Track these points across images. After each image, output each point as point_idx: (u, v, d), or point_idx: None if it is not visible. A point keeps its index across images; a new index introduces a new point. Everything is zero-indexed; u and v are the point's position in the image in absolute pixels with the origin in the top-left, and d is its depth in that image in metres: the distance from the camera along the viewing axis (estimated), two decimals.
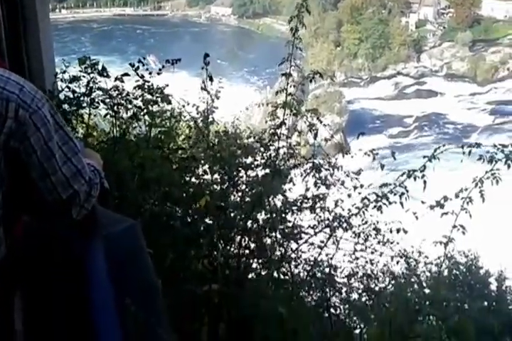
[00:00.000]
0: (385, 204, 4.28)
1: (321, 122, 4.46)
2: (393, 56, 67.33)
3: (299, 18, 4.38)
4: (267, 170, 4.27)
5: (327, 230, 4.53)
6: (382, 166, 4.43)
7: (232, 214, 4.08)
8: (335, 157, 4.64)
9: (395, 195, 4.24)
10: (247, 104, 49.90)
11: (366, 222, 4.52)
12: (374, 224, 4.59)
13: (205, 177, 4.22)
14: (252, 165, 4.35)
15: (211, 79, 4.31)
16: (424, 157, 4.18)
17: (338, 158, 4.62)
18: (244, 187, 4.25)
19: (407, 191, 4.19)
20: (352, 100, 61.84)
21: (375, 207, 4.31)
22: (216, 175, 4.18)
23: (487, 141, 50.16)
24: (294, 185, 4.44)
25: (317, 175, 4.47)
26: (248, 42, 77.24)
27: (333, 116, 54.91)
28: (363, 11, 71.33)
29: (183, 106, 4.49)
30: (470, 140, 51.05)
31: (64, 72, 4.32)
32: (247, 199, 4.14)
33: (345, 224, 4.41)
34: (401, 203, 4.15)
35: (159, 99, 4.11)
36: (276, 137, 4.40)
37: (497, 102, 57.52)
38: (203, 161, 4.21)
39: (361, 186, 4.47)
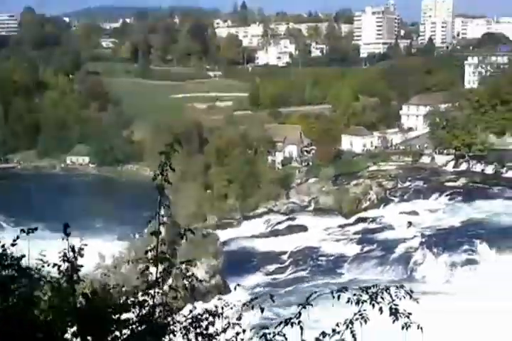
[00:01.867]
0: None
1: (196, 279, 5.98)
2: (263, 195, 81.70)
3: (164, 165, 5.56)
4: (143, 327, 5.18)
5: None
6: (262, 310, 5.90)
7: None
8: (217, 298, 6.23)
9: None
10: (114, 255, 58.62)
11: None
12: None
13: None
14: (126, 323, 5.18)
15: (73, 250, 5.20)
16: (299, 305, 5.47)
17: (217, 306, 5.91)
18: None
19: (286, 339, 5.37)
20: (227, 241, 72.90)
21: None
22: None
23: (357, 270, 62.69)
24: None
25: (198, 330, 5.60)
26: (110, 190, 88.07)
27: (209, 259, 64.67)
28: (229, 153, 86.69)
29: (43, 266, 5.21)
30: (342, 270, 63.31)
31: None
32: None
33: None
34: None
35: (16, 273, 4.71)
36: (150, 296, 5.49)
37: (363, 231, 71.91)
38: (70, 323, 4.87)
39: (243, 331, 5.72)
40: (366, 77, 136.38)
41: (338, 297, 5.55)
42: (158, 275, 5.72)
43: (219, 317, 5.80)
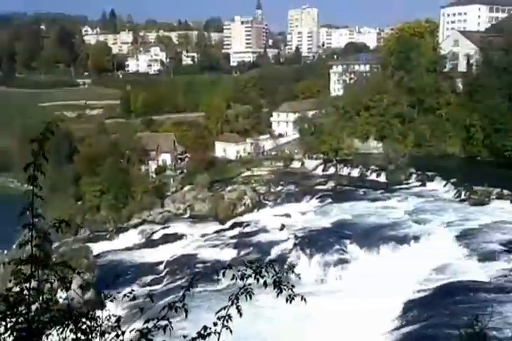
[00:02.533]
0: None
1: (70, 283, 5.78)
2: (137, 204, 79.31)
3: (34, 178, 5.49)
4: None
5: None
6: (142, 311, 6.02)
7: None
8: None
9: (158, 329, 5.64)
10: None
11: None
12: None
13: None
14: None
15: None
16: (183, 288, 5.88)
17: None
18: None
19: (170, 322, 5.57)
20: (101, 254, 69.70)
21: None
22: None
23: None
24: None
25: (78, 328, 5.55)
26: None
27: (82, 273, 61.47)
28: (101, 162, 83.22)
29: None
30: (219, 276, 62.70)
31: None
32: None
33: None
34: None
35: None
36: (25, 295, 5.34)
37: (239, 236, 72.20)
38: None
39: (123, 333, 5.77)
40: (237, 85, 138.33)
41: (224, 274, 6.18)
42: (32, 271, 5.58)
43: (96, 320, 5.75)
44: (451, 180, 79.62)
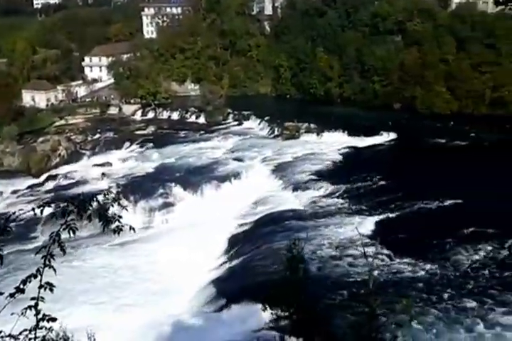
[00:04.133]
0: None
1: None
2: None
3: None
4: None
5: None
6: None
7: None
8: None
9: None
10: None
11: None
12: None
13: None
14: None
15: None
16: None
17: None
18: None
19: None
20: None
21: None
22: None
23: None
24: None
25: None
26: None
27: None
28: None
29: None
30: (36, 234, 57.11)
31: None
32: None
33: None
34: None
35: None
36: None
37: (56, 189, 66.19)
38: None
39: None
40: (43, 29, 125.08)
41: (41, 212, 5.73)
42: None
43: None
44: (265, 118, 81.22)
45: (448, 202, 48.33)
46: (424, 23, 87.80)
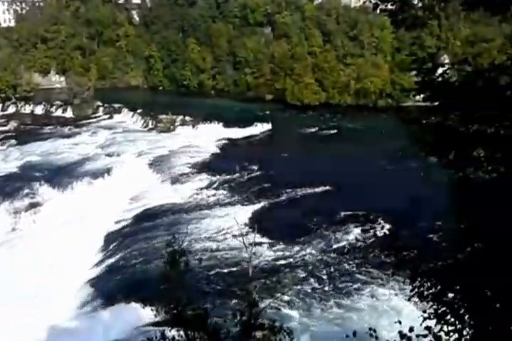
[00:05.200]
0: None
1: None
2: None
3: None
4: None
5: None
6: None
7: None
8: None
9: None
10: None
11: None
12: None
13: None
14: None
15: None
16: None
17: None
18: None
19: None
20: None
21: None
22: None
23: None
24: None
25: None
26: None
27: None
28: None
29: None
30: None
31: None
32: None
33: None
34: None
35: None
36: None
37: None
38: None
39: None
40: None
41: None
42: None
43: None
44: (138, 111, 79.88)
45: (320, 188, 51.05)
46: (292, 15, 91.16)
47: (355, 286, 34.53)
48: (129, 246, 43.29)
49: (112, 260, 42.07)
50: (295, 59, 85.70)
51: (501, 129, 6.18)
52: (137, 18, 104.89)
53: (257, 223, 42.88)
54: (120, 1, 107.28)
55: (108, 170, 58.52)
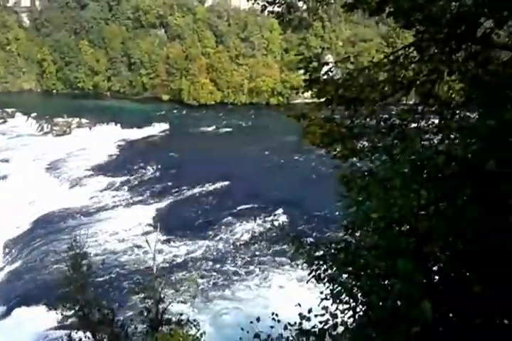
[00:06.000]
0: None
1: None
2: None
3: None
4: None
5: None
6: None
7: None
8: None
9: None
10: None
11: None
12: None
13: None
14: None
15: None
16: None
17: None
18: None
19: None
20: None
21: None
22: None
23: None
24: None
25: None
26: None
27: None
28: None
29: None
30: None
31: None
32: None
33: None
34: None
35: None
36: None
37: None
38: None
39: None
40: None
41: None
42: None
43: None
44: (32, 115, 75.78)
45: (220, 184, 51.30)
46: (184, 17, 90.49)
47: (258, 275, 35.14)
48: (30, 252, 41.12)
49: (13, 266, 39.81)
50: (189, 60, 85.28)
51: (381, 122, 6.52)
52: (28, 21, 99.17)
53: (160, 221, 42.19)
54: (9, 4, 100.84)
55: (3, 177, 55.09)
